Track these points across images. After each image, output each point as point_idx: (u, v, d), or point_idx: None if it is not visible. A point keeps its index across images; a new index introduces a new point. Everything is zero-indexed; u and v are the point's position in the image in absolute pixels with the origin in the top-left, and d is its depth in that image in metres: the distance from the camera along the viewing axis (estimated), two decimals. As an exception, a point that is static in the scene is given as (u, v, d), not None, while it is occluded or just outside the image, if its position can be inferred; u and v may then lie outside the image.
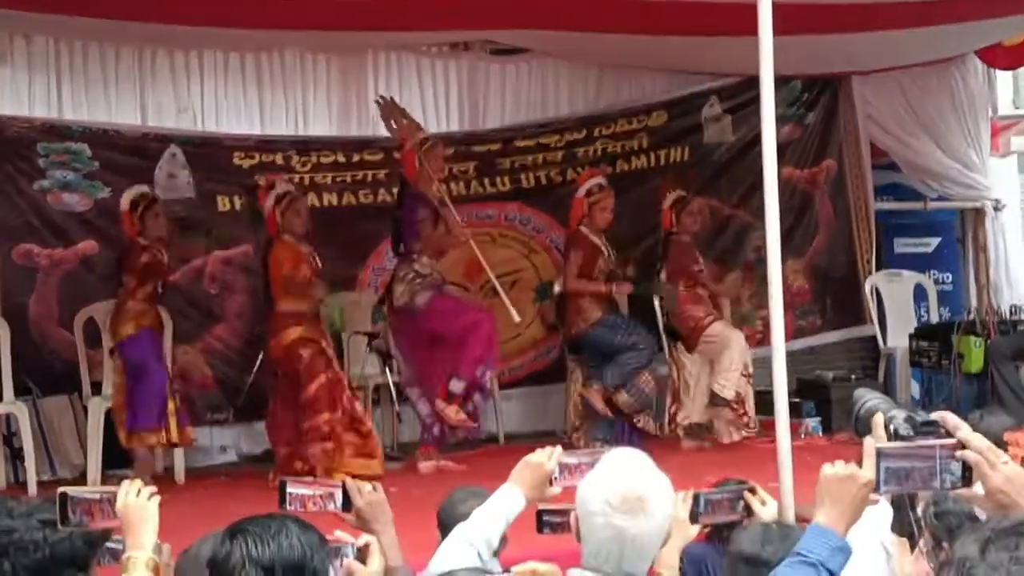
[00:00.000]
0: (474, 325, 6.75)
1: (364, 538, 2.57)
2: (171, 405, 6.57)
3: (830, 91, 8.85)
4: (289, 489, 2.68)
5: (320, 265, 6.76)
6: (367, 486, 2.75)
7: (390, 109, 7.13)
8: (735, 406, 7.23)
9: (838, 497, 2.05)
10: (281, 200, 6.71)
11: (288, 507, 2.66)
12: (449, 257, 7.30)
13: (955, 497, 2.02)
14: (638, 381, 7.04)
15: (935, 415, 1.98)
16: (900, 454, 1.98)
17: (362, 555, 2.51)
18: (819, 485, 2.08)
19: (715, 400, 7.26)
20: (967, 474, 1.94)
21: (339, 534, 2.59)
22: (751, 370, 7.28)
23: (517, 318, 6.95)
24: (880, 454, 1.99)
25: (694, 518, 2.79)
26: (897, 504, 2.52)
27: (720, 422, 7.31)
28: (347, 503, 2.68)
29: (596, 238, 7.23)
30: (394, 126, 7.10)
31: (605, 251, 7.24)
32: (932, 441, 1.97)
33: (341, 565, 2.47)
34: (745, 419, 7.25)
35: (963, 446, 1.93)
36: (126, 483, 2.62)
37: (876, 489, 2.01)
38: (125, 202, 6.78)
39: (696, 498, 2.69)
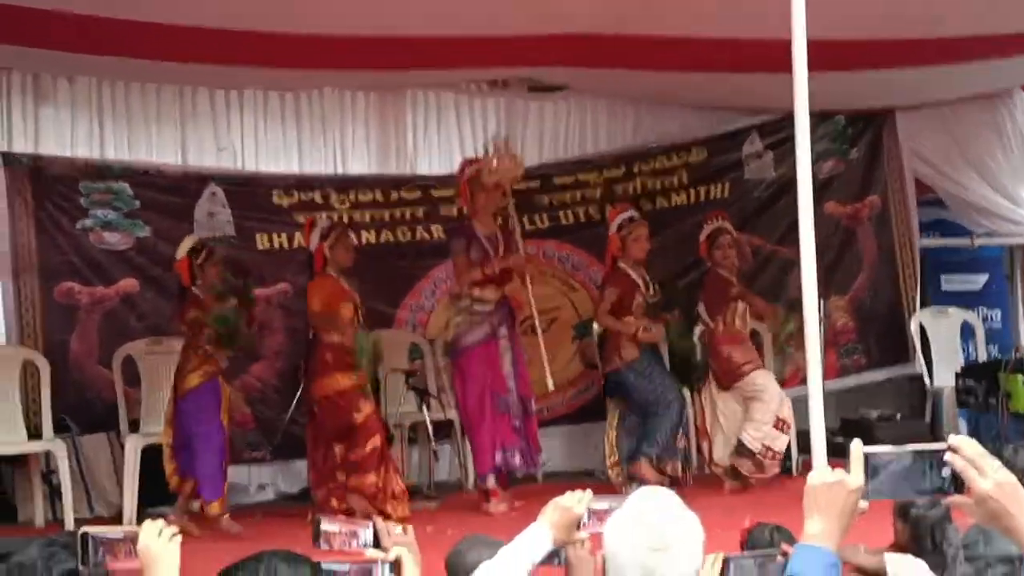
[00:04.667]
0: (484, 402, 6.81)
1: (395, 551, 2.54)
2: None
3: (874, 126, 8.78)
4: (323, 526, 2.69)
5: (359, 301, 6.76)
6: (397, 528, 2.72)
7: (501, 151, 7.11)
8: (759, 457, 7.14)
9: (826, 507, 1.96)
10: (328, 234, 6.72)
11: (321, 544, 2.66)
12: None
13: (986, 536, 1.95)
14: (676, 443, 7.03)
15: (951, 438, 1.90)
16: (889, 459, 1.91)
17: (396, 570, 2.49)
18: (806, 495, 2.00)
19: (741, 450, 7.17)
20: (959, 481, 1.87)
21: (371, 552, 2.58)
22: (791, 420, 7.19)
23: (551, 386, 7.01)
24: (868, 459, 1.92)
25: None
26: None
27: (742, 470, 7.24)
28: (377, 543, 2.67)
29: (634, 273, 7.18)
30: (495, 164, 7.02)
31: (643, 286, 7.18)
32: (921, 446, 1.90)
33: None
34: (771, 464, 7.15)
35: (954, 452, 1.87)
36: (148, 523, 2.59)
37: (865, 496, 1.94)
38: (183, 250, 6.72)
39: (726, 563, 2.58)
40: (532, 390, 7.08)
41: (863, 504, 1.96)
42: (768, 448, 7.14)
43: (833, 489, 1.96)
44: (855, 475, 1.94)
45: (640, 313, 7.14)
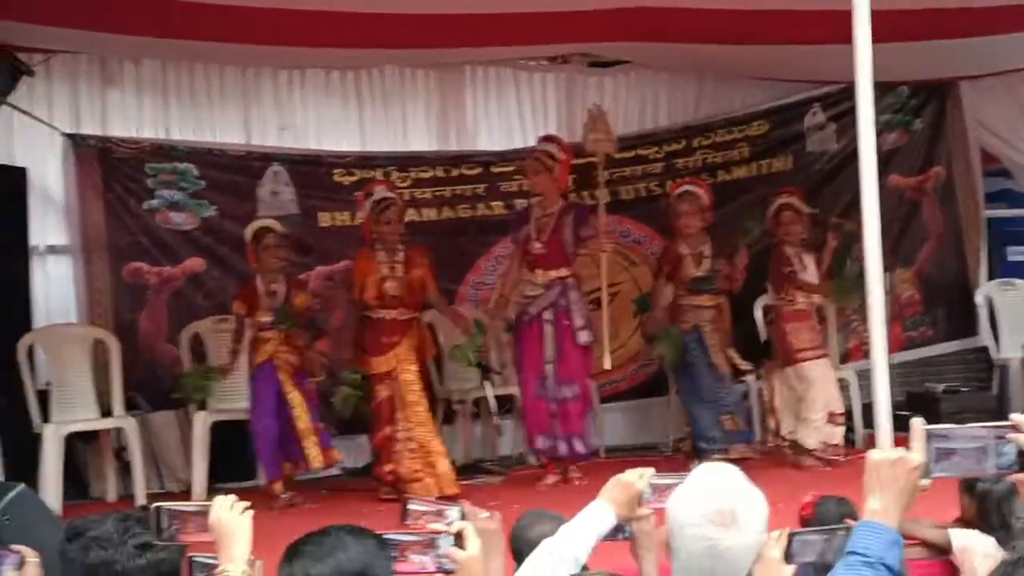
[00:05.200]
0: (528, 383, 6.81)
1: (458, 525, 2.58)
2: (308, 437, 6.56)
3: (938, 97, 8.65)
4: (411, 505, 2.79)
5: (400, 275, 6.67)
6: (484, 513, 2.77)
7: (597, 120, 7.13)
8: (818, 454, 7.01)
9: (888, 484, 1.96)
10: (375, 208, 6.75)
11: (408, 521, 2.75)
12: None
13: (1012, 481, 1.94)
14: (719, 428, 7.00)
15: (1014, 416, 1.89)
16: (951, 436, 1.90)
17: (459, 541, 2.53)
18: (867, 471, 1.99)
19: (799, 449, 7.04)
20: (1021, 458, 1.85)
21: (433, 525, 2.64)
22: (843, 409, 7.14)
23: (608, 365, 7.01)
24: (930, 436, 1.91)
25: (789, 559, 2.70)
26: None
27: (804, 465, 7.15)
28: None
29: (685, 247, 7.12)
30: (590, 136, 7.09)
31: (692, 260, 7.11)
32: (984, 424, 1.89)
33: (440, 555, 2.51)
34: (834, 454, 7.02)
35: (1017, 429, 1.85)
36: (219, 497, 2.64)
37: (927, 473, 1.93)
38: (248, 234, 6.81)
39: (790, 538, 2.59)
40: (579, 376, 6.84)
41: (924, 482, 1.95)
42: (826, 444, 7.03)
43: (895, 466, 1.96)
44: (916, 452, 1.94)
45: (685, 289, 7.09)
